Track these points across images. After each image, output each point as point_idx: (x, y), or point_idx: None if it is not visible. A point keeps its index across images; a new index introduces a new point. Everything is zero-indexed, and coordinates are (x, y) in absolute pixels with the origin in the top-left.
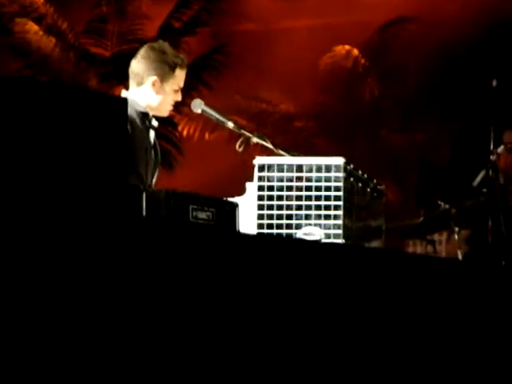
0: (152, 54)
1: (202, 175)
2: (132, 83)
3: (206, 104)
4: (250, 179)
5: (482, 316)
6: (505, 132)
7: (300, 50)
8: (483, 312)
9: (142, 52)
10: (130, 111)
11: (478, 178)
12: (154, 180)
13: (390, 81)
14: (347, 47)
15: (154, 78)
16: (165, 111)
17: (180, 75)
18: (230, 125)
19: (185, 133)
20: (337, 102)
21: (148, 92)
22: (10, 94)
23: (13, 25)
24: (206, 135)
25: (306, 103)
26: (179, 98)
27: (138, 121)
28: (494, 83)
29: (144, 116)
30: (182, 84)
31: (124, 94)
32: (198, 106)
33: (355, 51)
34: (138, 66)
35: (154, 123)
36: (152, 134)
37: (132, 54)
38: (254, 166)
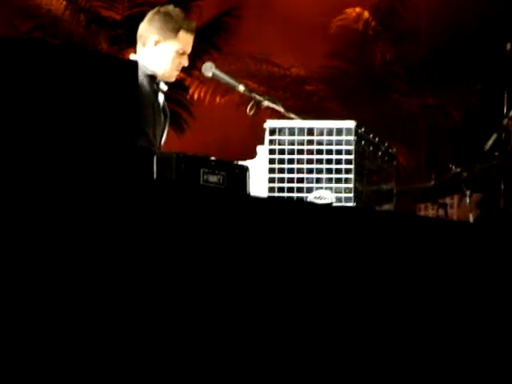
0: (157, 16)
1: (213, 138)
2: (138, 45)
3: (217, 67)
4: (261, 142)
5: (494, 281)
6: None
7: (311, 13)
8: (495, 276)
9: (149, 15)
10: (138, 73)
11: (490, 142)
12: (162, 141)
13: (401, 44)
14: (358, 9)
15: (157, 37)
16: (170, 76)
17: (184, 38)
18: (241, 88)
19: (195, 96)
20: (348, 65)
21: (151, 53)
22: (21, 56)
23: None
24: (217, 98)
25: (316, 67)
26: (186, 62)
27: (145, 83)
28: (509, 46)
29: (152, 79)
30: (187, 49)
31: (132, 57)
32: (208, 69)
33: (366, 13)
34: (143, 27)
35: (163, 87)
36: (161, 96)
37: (143, 18)
38: (264, 130)
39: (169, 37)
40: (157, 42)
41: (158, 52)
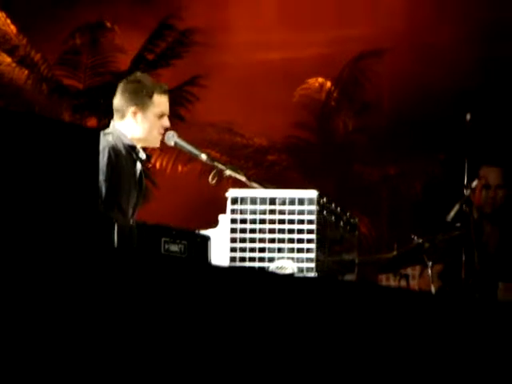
0: (128, 87)
1: (175, 207)
2: (115, 119)
3: (179, 136)
4: (223, 211)
5: (455, 349)
6: (481, 167)
7: (274, 82)
8: (456, 345)
9: (120, 87)
10: (117, 143)
11: (452, 213)
12: (135, 213)
13: (363, 114)
14: (320, 80)
15: (133, 108)
16: (154, 141)
17: (160, 101)
18: (203, 157)
19: (158, 165)
20: (310, 135)
21: (131, 123)
22: None
23: None
24: (179, 167)
25: (279, 136)
26: (167, 123)
27: (124, 152)
28: (468, 117)
29: (131, 148)
30: (166, 110)
31: (112, 127)
32: (171, 138)
33: (328, 84)
34: (116, 101)
35: (142, 155)
36: (138, 166)
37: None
38: (226, 199)
39: (145, 104)
40: (135, 113)
41: (138, 121)
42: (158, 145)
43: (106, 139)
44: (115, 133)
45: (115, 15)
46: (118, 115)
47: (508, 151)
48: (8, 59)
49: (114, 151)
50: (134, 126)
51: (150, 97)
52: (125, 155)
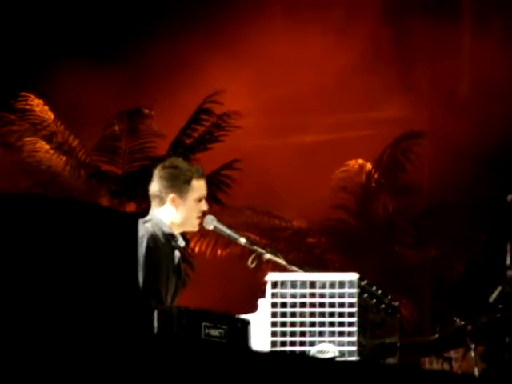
0: (164, 173)
1: (215, 292)
2: (154, 206)
3: (218, 220)
4: (263, 295)
5: None
6: None
7: (313, 164)
8: None
9: (156, 173)
10: (156, 231)
11: (494, 294)
12: (175, 300)
13: (403, 196)
14: (360, 161)
15: (172, 195)
16: (192, 225)
17: (198, 185)
18: (242, 241)
19: (197, 249)
20: (350, 217)
21: (170, 210)
22: (20, 211)
23: (22, 143)
24: (219, 251)
25: (318, 219)
26: (205, 207)
27: (162, 240)
28: (510, 197)
29: (170, 236)
30: (203, 193)
31: (152, 214)
32: (210, 222)
33: (368, 166)
34: (154, 187)
35: (181, 243)
36: (177, 254)
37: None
38: (266, 283)
39: (183, 190)
40: (173, 200)
41: (177, 207)
42: (197, 228)
43: (145, 227)
44: (154, 220)
45: (154, 100)
46: (156, 202)
47: None
48: (46, 146)
49: (152, 239)
50: (173, 212)
51: (188, 182)
52: (164, 243)
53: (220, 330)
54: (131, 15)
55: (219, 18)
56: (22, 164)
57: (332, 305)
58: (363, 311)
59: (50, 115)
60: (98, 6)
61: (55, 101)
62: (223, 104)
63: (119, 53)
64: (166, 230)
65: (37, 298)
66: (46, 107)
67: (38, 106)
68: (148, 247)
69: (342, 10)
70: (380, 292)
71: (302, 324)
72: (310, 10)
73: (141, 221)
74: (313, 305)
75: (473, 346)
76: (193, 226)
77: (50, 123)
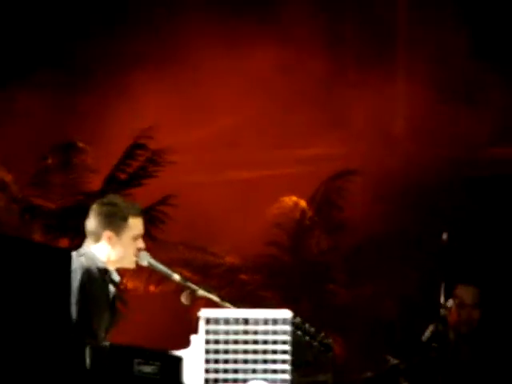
0: (102, 210)
1: (147, 328)
2: (89, 241)
3: (152, 256)
4: (196, 332)
5: None
6: (457, 286)
7: (246, 200)
8: None
9: (93, 209)
10: (90, 265)
11: (427, 333)
12: (107, 335)
13: (337, 233)
14: (294, 198)
15: (108, 232)
16: (130, 262)
17: (135, 223)
18: (176, 277)
19: (130, 285)
20: (283, 254)
21: (106, 247)
22: None
23: None
24: (152, 287)
25: (252, 255)
26: (141, 244)
27: (97, 275)
28: (445, 236)
29: (104, 271)
30: (141, 231)
31: (86, 248)
32: (144, 258)
33: (302, 202)
34: (91, 223)
35: (115, 278)
36: (112, 289)
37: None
38: (199, 319)
39: (120, 228)
40: (110, 237)
41: (113, 245)
42: (133, 266)
43: (79, 260)
44: (88, 254)
45: (88, 133)
46: (92, 238)
47: (484, 271)
48: None
49: (86, 273)
50: (109, 249)
51: (125, 220)
52: (98, 277)
53: (152, 367)
54: (65, 40)
55: (157, 50)
56: None
57: (265, 342)
58: (296, 349)
59: None
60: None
61: None
62: (158, 139)
63: (51, 81)
64: (100, 264)
65: None
66: None
67: None
68: (82, 281)
69: (278, 45)
70: (313, 330)
71: (235, 361)
72: (248, 44)
73: (74, 254)
74: (246, 342)
75: None
76: (129, 263)
77: None
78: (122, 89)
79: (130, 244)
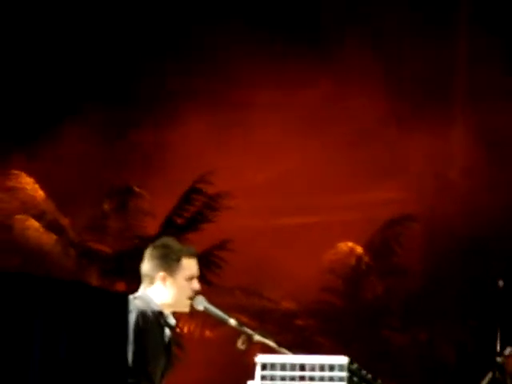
0: (155, 252)
1: (203, 373)
2: (144, 285)
3: (208, 301)
4: (252, 378)
5: None
6: None
7: (302, 246)
8: None
9: (147, 252)
10: (146, 308)
11: (485, 381)
12: (164, 378)
13: (393, 279)
14: (350, 244)
15: (162, 273)
16: (184, 305)
17: (188, 264)
18: (232, 322)
19: (185, 329)
20: (339, 299)
21: (160, 289)
22: (10, 289)
23: (13, 221)
24: (207, 332)
25: (308, 301)
26: (197, 286)
27: (152, 318)
28: (501, 283)
29: (159, 314)
30: (195, 272)
31: (141, 292)
32: (200, 303)
33: (359, 248)
34: (145, 266)
35: (171, 321)
36: (167, 332)
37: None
38: (255, 364)
39: (173, 269)
40: (164, 278)
41: (168, 286)
42: (187, 309)
43: (135, 304)
44: (144, 297)
45: (144, 179)
46: (147, 281)
47: None
48: (36, 224)
49: (142, 316)
50: (164, 290)
51: (178, 261)
52: (153, 320)
53: None
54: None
55: (214, 95)
56: (11, 242)
57: None
58: None
59: (41, 193)
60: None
61: (45, 179)
62: (214, 184)
63: (108, 129)
64: (156, 307)
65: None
66: (37, 185)
67: (29, 184)
68: (137, 324)
69: (336, 85)
70: (370, 376)
71: None
72: (302, 84)
73: (130, 297)
74: None
75: None
76: (184, 306)
77: (40, 201)
78: (177, 136)
79: (184, 285)
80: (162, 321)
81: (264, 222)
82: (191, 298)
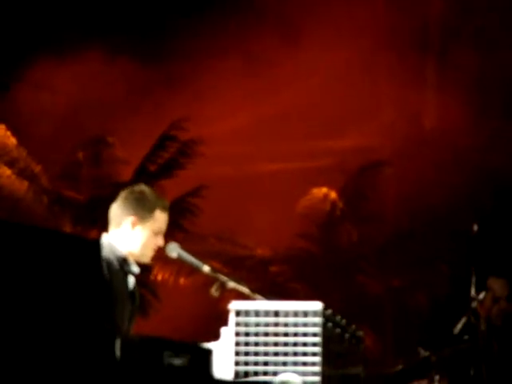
0: (131, 196)
1: (177, 320)
2: (111, 226)
3: (182, 248)
4: (226, 324)
5: None
6: (489, 278)
7: (276, 193)
8: None
9: (122, 195)
10: (109, 255)
11: (459, 325)
12: (131, 326)
13: (367, 225)
14: (324, 190)
15: (132, 217)
16: (146, 256)
17: (161, 217)
18: (206, 269)
19: (159, 277)
20: (314, 245)
21: (127, 233)
22: None
23: None
24: (182, 279)
25: (282, 247)
26: (161, 242)
27: (116, 265)
28: (475, 228)
29: (123, 261)
30: (163, 228)
31: (105, 237)
32: (173, 249)
33: (333, 194)
34: (116, 208)
35: (135, 269)
36: (131, 279)
37: (107, 198)
38: (229, 311)
39: (145, 217)
40: (133, 224)
41: (135, 233)
42: (148, 261)
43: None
44: (109, 244)
45: (117, 127)
46: (114, 223)
47: None
48: (8, 171)
49: (106, 263)
50: (129, 236)
51: (152, 211)
52: (116, 266)
53: (182, 359)
54: None
55: (184, 49)
56: None
57: (296, 334)
58: (327, 341)
59: (13, 140)
60: None
61: (18, 126)
62: (188, 130)
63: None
64: (120, 254)
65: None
66: (9, 132)
67: (0, 131)
68: (102, 271)
69: (314, 40)
70: (344, 322)
71: (266, 353)
72: (279, 46)
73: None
74: (276, 334)
75: (437, 377)
76: (146, 257)
77: (12, 149)
78: (150, 84)
79: (150, 237)
80: (126, 268)
81: (238, 169)
82: (154, 252)
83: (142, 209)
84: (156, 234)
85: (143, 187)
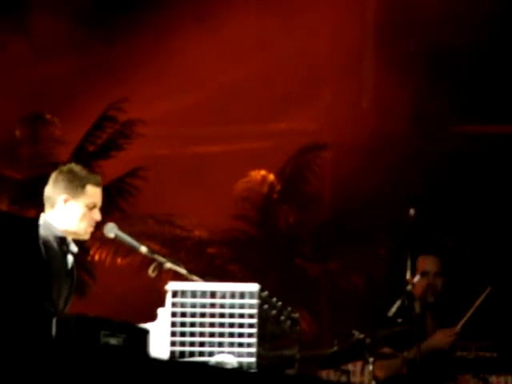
0: (60, 176)
1: (114, 300)
2: (47, 208)
3: (119, 228)
4: (162, 305)
5: None
6: (419, 257)
7: (215, 175)
8: None
9: (52, 176)
10: (47, 234)
11: (393, 308)
12: (67, 306)
13: (305, 208)
14: (262, 172)
15: (64, 195)
16: (84, 232)
17: (93, 192)
18: (143, 250)
19: (96, 257)
20: (252, 228)
21: (61, 212)
22: None
23: None
24: (119, 260)
25: (220, 229)
26: (98, 216)
27: (54, 244)
28: (412, 212)
29: (61, 240)
30: (98, 201)
31: (42, 217)
32: (110, 230)
33: (271, 176)
34: (48, 189)
35: (73, 248)
36: (70, 258)
37: (44, 178)
38: (166, 292)
39: (76, 193)
40: (66, 201)
41: (69, 210)
42: (87, 237)
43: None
44: (46, 224)
45: (57, 106)
46: (49, 204)
47: (448, 241)
48: None
49: (43, 243)
50: (64, 214)
51: (83, 187)
52: (54, 246)
53: (118, 339)
54: None
55: (122, 29)
56: None
57: (232, 315)
58: (263, 322)
59: None
60: None
61: None
62: (127, 111)
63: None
64: (58, 233)
65: None
66: None
67: None
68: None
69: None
70: (280, 304)
71: (202, 334)
72: (224, 16)
73: None
74: (213, 315)
75: (371, 359)
76: (84, 235)
77: None
78: (90, 63)
79: (85, 212)
80: (64, 247)
81: (176, 151)
82: (92, 227)
83: (72, 186)
84: (90, 208)
85: (72, 165)
